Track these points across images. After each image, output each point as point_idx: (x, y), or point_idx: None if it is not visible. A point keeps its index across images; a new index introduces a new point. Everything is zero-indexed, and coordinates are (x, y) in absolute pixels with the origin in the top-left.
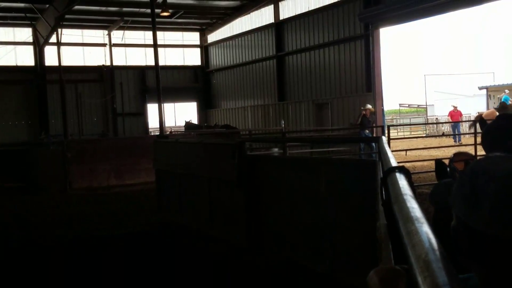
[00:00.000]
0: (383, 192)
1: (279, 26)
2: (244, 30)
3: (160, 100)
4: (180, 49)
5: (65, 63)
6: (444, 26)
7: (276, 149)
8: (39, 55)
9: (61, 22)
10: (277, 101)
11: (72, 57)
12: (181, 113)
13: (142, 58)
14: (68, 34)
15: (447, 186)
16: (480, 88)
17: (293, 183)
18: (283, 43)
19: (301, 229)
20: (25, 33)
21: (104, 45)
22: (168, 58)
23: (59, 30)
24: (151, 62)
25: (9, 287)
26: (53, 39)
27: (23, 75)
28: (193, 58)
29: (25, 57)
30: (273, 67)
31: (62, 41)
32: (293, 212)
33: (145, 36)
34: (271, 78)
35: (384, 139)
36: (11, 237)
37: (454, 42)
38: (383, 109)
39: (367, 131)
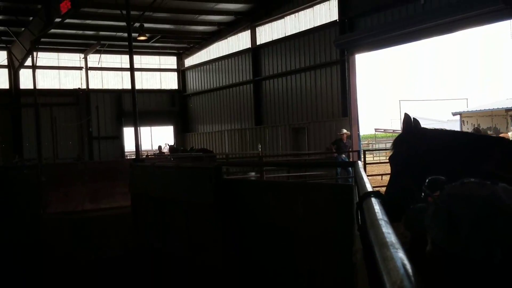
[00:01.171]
0: (359, 217)
1: (256, 51)
2: (221, 54)
3: (136, 124)
4: (157, 73)
5: (40, 86)
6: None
7: (253, 173)
8: (14, 78)
9: (36, 45)
10: (254, 125)
11: (48, 80)
12: (158, 137)
13: (119, 81)
14: (44, 58)
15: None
16: (454, 114)
17: (270, 207)
18: (260, 68)
19: (278, 253)
20: (0, 56)
21: (80, 68)
22: (145, 81)
23: (35, 53)
24: (128, 86)
25: None
26: (28, 62)
27: None
28: (170, 82)
29: (0, 79)
30: (250, 92)
31: (38, 64)
32: (270, 236)
33: (122, 60)
34: (248, 102)
35: (360, 163)
36: None
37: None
38: (359, 134)
39: (343, 155)
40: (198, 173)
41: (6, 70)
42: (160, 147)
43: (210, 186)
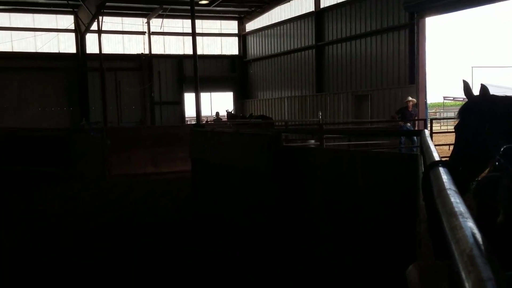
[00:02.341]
0: (425, 187)
1: (319, 15)
2: (283, 18)
3: (197, 89)
4: (218, 38)
5: (105, 51)
6: (494, 16)
7: (312, 141)
8: (80, 42)
9: (102, 9)
10: (314, 92)
11: (112, 45)
12: (217, 103)
13: (180, 46)
14: (108, 22)
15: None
16: None
17: (329, 176)
18: (323, 33)
19: (336, 223)
20: (67, 21)
21: (143, 33)
22: (206, 47)
23: (100, 17)
24: (189, 51)
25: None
26: (94, 26)
27: (65, 63)
28: (230, 47)
29: (67, 45)
30: (311, 57)
31: (103, 28)
32: (328, 206)
33: (184, 25)
34: (310, 69)
35: (427, 132)
36: (57, 223)
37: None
38: (426, 102)
39: (408, 124)
40: (256, 140)
41: (73, 35)
42: (217, 113)
43: (269, 153)
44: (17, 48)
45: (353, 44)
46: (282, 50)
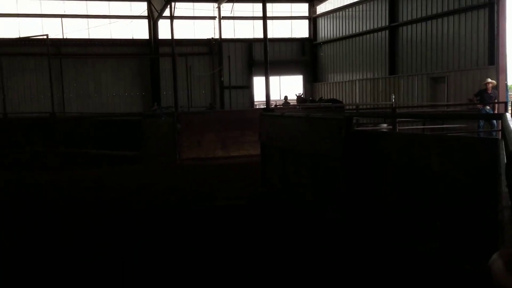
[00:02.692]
0: (509, 173)
1: None
2: (356, 0)
3: (267, 73)
4: (288, 21)
5: (176, 36)
6: None
7: (384, 125)
8: (153, 28)
9: None
10: (387, 74)
11: (183, 30)
12: (286, 87)
13: (250, 30)
14: (180, 8)
15: None
16: None
17: (402, 161)
18: (396, 13)
19: (408, 209)
20: (141, 7)
21: (213, 18)
22: (276, 30)
23: (172, 3)
24: (259, 35)
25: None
26: (166, 12)
27: (138, 49)
28: (300, 30)
29: (140, 31)
30: (384, 39)
31: (175, 14)
32: (400, 192)
33: (254, 8)
34: (382, 51)
35: (508, 116)
36: (134, 201)
37: None
38: (506, 84)
39: (487, 107)
40: (327, 124)
41: (146, 21)
42: (286, 97)
43: (339, 137)
44: (93, 35)
45: (429, 24)
46: (354, 32)
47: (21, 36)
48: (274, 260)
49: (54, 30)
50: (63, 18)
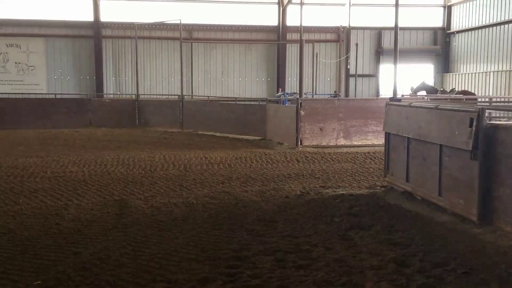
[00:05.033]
0: None
1: None
2: None
3: (396, 63)
4: (420, 9)
5: (304, 23)
6: None
7: None
8: (282, 15)
9: None
10: None
11: (311, 17)
12: (415, 76)
13: (380, 18)
14: None
15: None
16: None
17: None
18: None
19: None
20: None
21: (343, 5)
22: (406, 18)
23: None
24: (388, 23)
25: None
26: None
27: (266, 34)
28: (433, 18)
29: (269, 17)
30: None
31: (304, 1)
32: None
33: None
34: None
35: None
36: (249, 186)
37: None
38: None
39: None
40: (458, 116)
41: (275, 7)
42: (412, 88)
43: (470, 130)
44: (223, 21)
45: None
46: (491, 22)
47: (156, 21)
48: None
49: (186, 15)
50: (195, 3)
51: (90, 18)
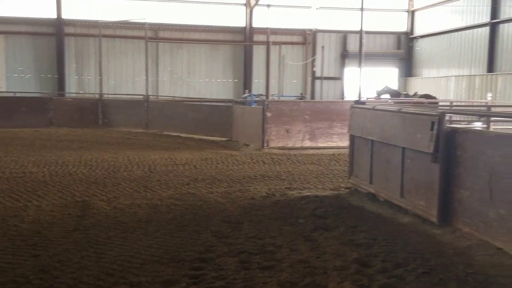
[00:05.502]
0: None
1: None
2: None
3: (360, 66)
4: (385, 14)
5: (271, 25)
6: None
7: (478, 124)
8: (249, 16)
9: None
10: (485, 72)
11: (278, 19)
12: (379, 79)
13: (345, 22)
14: None
15: None
16: None
17: (496, 161)
18: (498, 10)
19: (499, 210)
20: None
21: (309, 7)
22: (371, 22)
23: None
24: (354, 27)
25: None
26: (263, 1)
27: (232, 36)
28: (397, 23)
29: (236, 18)
30: (484, 35)
31: (271, 3)
32: (491, 192)
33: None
34: (481, 47)
35: None
36: (215, 188)
37: None
38: None
39: None
40: (420, 120)
41: (242, 8)
42: (377, 91)
43: (431, 133)
44: (190, 21)
45: None
46: (453, 27)
47: (120, 19)
48: None
49: (152, 14)
50: (161, 3)
51: (52, 15)
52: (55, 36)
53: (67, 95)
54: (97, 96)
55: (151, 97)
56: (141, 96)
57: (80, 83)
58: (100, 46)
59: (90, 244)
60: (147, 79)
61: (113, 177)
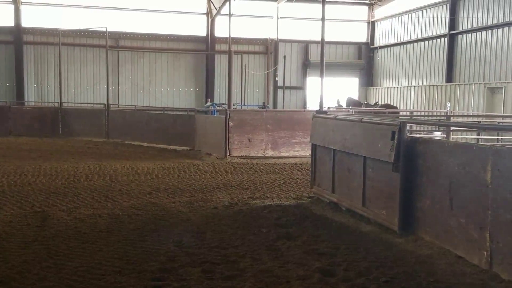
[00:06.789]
0: None
1: (454, 3)
2: (416, 6)
3: (322, 76)
4: (346, 24)
5: (233, 34)
6: None
7: (438, 133)
8: (210, 25)
9: None
10: (444, 82)
11: (240, 29)
12: (340, 89)
13: (307, 32)
14: (238, 6)
15: None
16: None
17: (454, 170)
18: (456, 22)
19: (459, 219)
20: (200, 4)
21: (271, 17)
22: (333, 33)
23: (232, 1)
24: (315, 37)
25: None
26: (224, 10)
27: (194, 45)
28: (358, 33)
29: (197, 27)
30: (443, 46)
31: (233, 12)
32: (451, 201)
33: (311, 10)
34: (440, 58)
35: None
36: (177, 197)
37: None
38: None
39: None
40: (380, 129)
41: (204, 18)
42: (338, 101)
43: (392, 143)
44: (151, 30)
45: (489, 34)
46: (412, 38)
47: (80, 28)
48: None
49: (113, 23)
50: (122, 11)
51: (10, 23)
52: (13, 44)
53: (26, 103)
54: (57, 104)
55: (112, 106)
56: (101, 105)
57: (39, 92)
58: (60, 54)
59: (50, 255)
60: (107, 88)
61: (74, 187)
